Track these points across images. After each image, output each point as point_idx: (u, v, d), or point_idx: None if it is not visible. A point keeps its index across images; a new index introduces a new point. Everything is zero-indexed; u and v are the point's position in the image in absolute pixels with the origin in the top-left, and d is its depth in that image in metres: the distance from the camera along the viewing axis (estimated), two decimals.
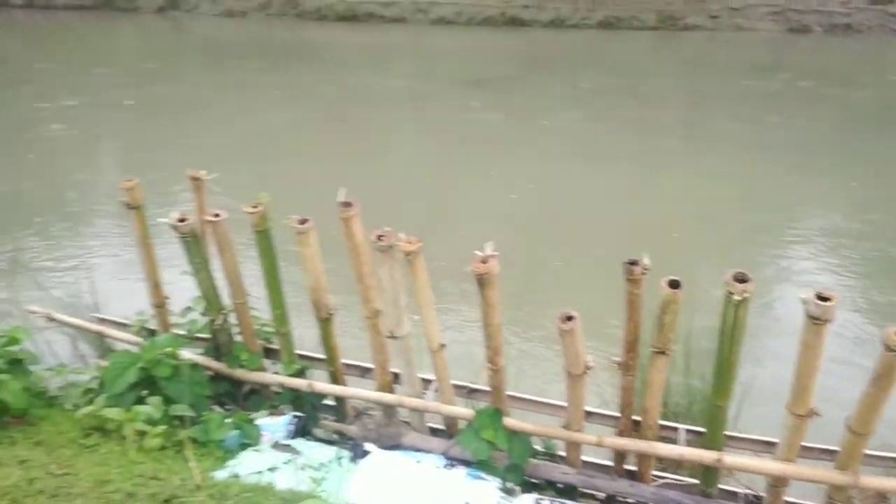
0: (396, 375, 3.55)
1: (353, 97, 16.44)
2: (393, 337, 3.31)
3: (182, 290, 4.08)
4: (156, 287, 3.96)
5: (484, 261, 2.72)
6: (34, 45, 24.17)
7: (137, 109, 14.94)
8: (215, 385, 3.81)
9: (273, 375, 3.80)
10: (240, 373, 3.80)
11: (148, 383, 3.53)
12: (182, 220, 3.41)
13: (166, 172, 9.18)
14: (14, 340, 3.75)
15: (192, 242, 3.49)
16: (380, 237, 3.00)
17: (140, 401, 3.45)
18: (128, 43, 25.58)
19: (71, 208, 9.72)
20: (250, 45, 25.11)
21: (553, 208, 9.52)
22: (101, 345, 4.85)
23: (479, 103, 15.77)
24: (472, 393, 3.52)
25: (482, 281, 2.77)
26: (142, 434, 3.29)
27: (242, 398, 3.93)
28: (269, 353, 3.94)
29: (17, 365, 3.70)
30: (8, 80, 17.72)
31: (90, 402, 3.54)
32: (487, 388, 3.27)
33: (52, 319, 4.54)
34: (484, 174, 11.04)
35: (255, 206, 3.38)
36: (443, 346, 3.22)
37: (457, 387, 3.46)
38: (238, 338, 3.86)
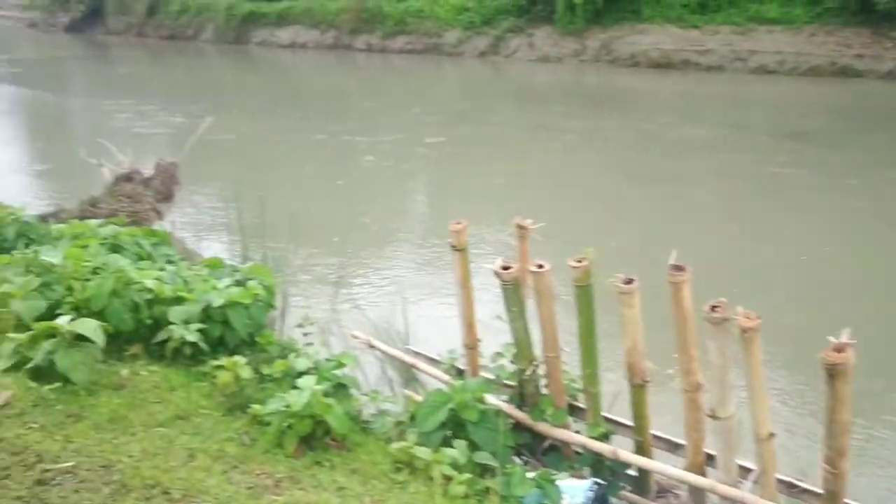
0: (710, 457, 3.47)
1: (654, 144, 16.76)
2: (714, 417, 3.26)
3: (493, 332, 4.34)
4: (470, 328, 4.26)
5: (839, 349, 2.59)
6: (367, 84, 28.04)
7: (445, 146, 16.59)
8: (515, 435, 4.01)
9: (577, 435, 3.93)
10: (543, 427, 3.99)
11: (454, 425, 3.80)
12: (506, 269, 3.63)
13: (462, 209, 10.01)
14: (340, 364, 4.23)
15: (513, 291, 3.73)
16: (713, 308, 3.00)
17: (446, 441, 3.73)
18: (448, 85, 28.40)
19: (381, 234, 11.07)
20: (560, 90, 26.42)
21: (849, 275, 8.68)
22: (408, 374, 5.30)
23: (786, 157, 15.18)
24: (800, 493, 3.31)
25: (834, 372, 2.63)
26: (448, 479, 3.49)
27: (541, 452, 4.11)
28: (575, 410, 4.08)
29: (341, 389, 4.07)
30: (339, 114, 20.74)
31: (401, 434, 3.90)
32: (819, 491, 3.05)
33: (371, 346, 4.98)
34: (776, 231, 10.70)
35: (579, 261, 3.54)
36: (772, 434, 3.09)
37: (780, 482, 3.29)
38: (545, 391, 4.05)
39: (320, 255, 9.96)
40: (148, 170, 8.44)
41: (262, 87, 27.28)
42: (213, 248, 8.84)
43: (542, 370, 3.97)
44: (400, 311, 6.47)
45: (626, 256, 8.18)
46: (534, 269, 3.63)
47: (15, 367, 3.38)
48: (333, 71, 32.08)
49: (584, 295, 3.59)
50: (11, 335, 3.44)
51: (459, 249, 4.02)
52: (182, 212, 9.92)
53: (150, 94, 24.56)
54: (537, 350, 3.92)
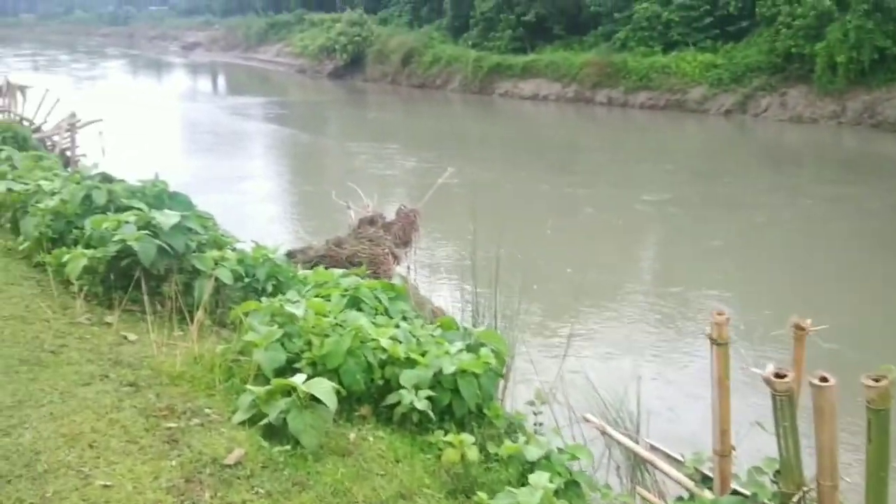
0: None
1: None
2: None
3: (749, 440, 4.24)
4: (723, 434, 3.97)
5: None
6: (603, 138, 30.31)
7: (668, 204, 18.10)
8: None
9: None
10: None
11: None
12: (779, 377, 3.40)
13: (678, 272, 11.48)
14: (574, 457, 4.11)
15: (786, 403, 3.45)
16: None
17: None
18: (688, 141, 29.86)
19: (597, 289, 12.45)
20: (811, 152, 26.79)
21: None
22: (637, 461, 5.10)
23: None
24: None
25: None
26: None
27: None
28: None
29: (573, 487, 4.05)
30: (569, 166, 23.05)
31: None
32: None
33: (604, 433, 4.86)
34: None
35: (876, 379, 3.20)
36: None
37: None
38: None
39: (543, 310, 11.03)
40: (389, 214, 9.88)
41: (499, 137, 30.60)
42: (442, 294, 9.88)
43: (812, 497, 3.63)
44: (627, 384, 6.35)
45: None
46: (816, 381, 3.29)
47: (250, 421, 3.63)
48: (572, 123, 34.81)
49: (880, 420, 3.22)
50: (251, 387, 3.73)
51: (720, 344, 3.81)
52: (417, 257, 10.82)
53: (392, 138, 28.80)
54: (809, 474, 3.62)
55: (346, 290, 4.97)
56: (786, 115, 31.37)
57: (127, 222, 4.73)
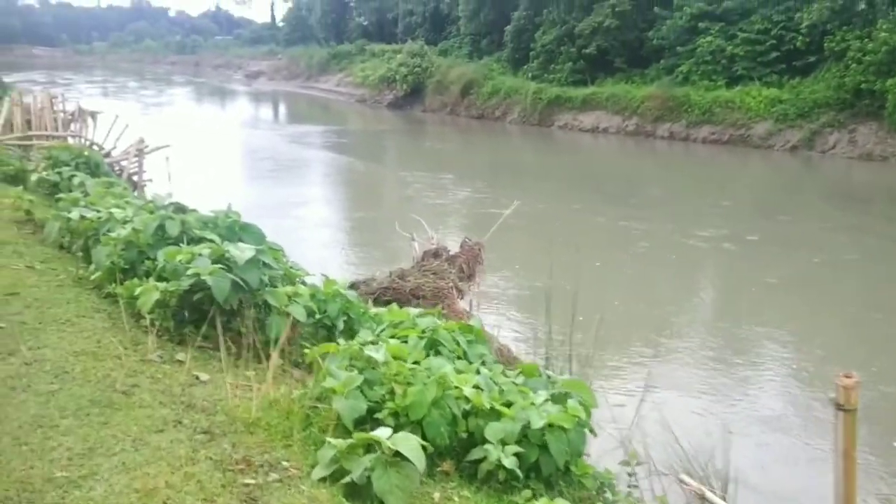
0: None
1: None
2: None
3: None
4: None
5: None
6: (663, 172, 29.75)
7: (725, 240, 17.53)
8: None
9: None
10: None
11: None
12: None
13: (734, 313, 11.02)
14: None
15: None
16: None
17: None
18: (751, 177, 29.14)
19: (656, 325, 12.29)
20: (883, 191, 25.84)
21: None
22: None
23: None
24: None
25: None
26: None
27: None
28: None
29: None
30: (627, 199, 22.53)
31: None
32: None
33: (703, 499, 4.72)
34: None
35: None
36: None
37: None
38: None
39: (615, 349, 10.68)
40: (451, 246, 9.66)
41: (557, 168, 30.26)
42: (505, 330, 9.66)
43: None
44: (704, 434, 6.34)
45: None
46: None
47: (331, 478, 3.40)
48: (631, 157, 34.34)
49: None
50: (331, 440, 3.50)
51: (847, 410, 3.62)
52: (480, 291, 10.50)
53: (448, 168, 28.70)
54: None
55: (423, 331, 4.70)
56: (855, 153, 30.42)
57: (200, 255, 4.54)
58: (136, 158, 15.40)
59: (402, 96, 49.76)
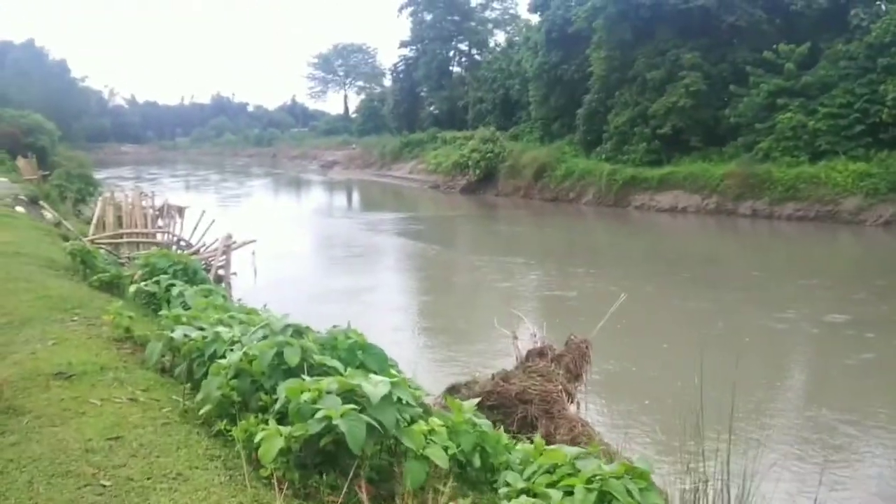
0: None
1: None
2: None
3: None
4: None
5: None
6: (751, 249, 28.49)
7: (849, 327, 16.21)
8: None
9: None
10: None
11: None
12: None
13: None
14: None
15: None
16: None
17: None
18: (846, 255, 27.63)
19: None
20: None
21: None
22: None
23: None
24: None
25: None
26: None
27: None
28: None
29: None
30: (690, 279, 21.41)
31: None
32: None
33: None
34: None
35: None
36: None
37: None
38: None
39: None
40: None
41: (632, 249, 29.28)
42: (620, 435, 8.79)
43: None
44: None
45: None
46: None
47: None
48: (712, 236, 33.20)
49: None
50: None
51: None
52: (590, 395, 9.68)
53: (521, 252, 28.05)
54: None
55: (589, 480, 3.90)
56: None
57: (328, 392, 3.93)
58: (224, 255, 15.22)
59: (474, 181, 49.88)
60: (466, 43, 74.44)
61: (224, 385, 4.53)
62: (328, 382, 4.03)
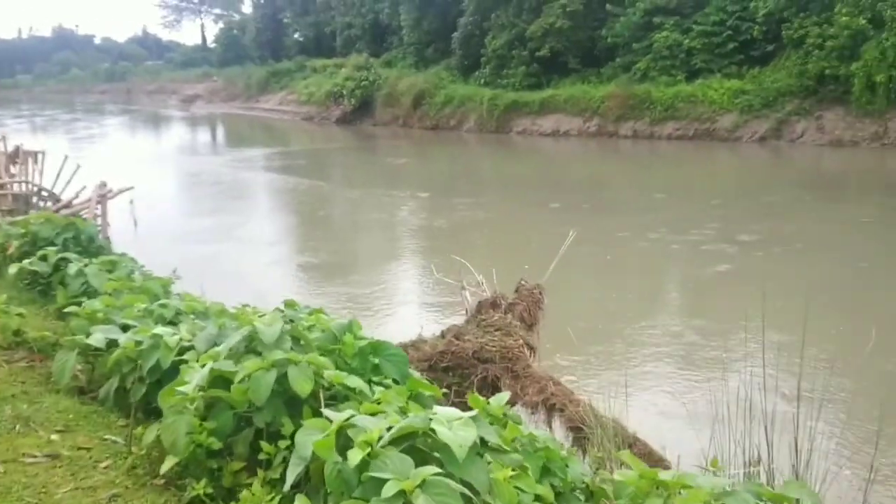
0: None
1: None
2: None
3: None
4: None
5: None
6: (642, 172, 28.36)
7: (760, 246, 15.99)
8: None
9: None
10: None
11: None
12: None
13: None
14: None
15: None
16: None
17: None
18: (730, 172, 27.93)
19: None
20: (863, 179, 24.95)
21: None
22: None
23: None
24: None
25: None
26: None
27: None
28: None
29: None
30: (628, 206, 21.02)
31: None
32: None
33: None
34: None
35: None
36: None
37: None
38: None
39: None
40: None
41: (521, 176, 28.53)
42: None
43: None
44: None
45: None
46: None
47: None
48: (596, 158, 32.93)
49: None
50: None
51: None
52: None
53: (404, 184, 26.81)
54: None
55: None
56: (824, 139, 29.69)
57: (381, 442, 2.59)
58: (99, 205, 13.12)
59: (350, 111, 47.76)
60: None
61: (196, 427, 3.02)
62: (378, 427, 2.62)
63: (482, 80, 41.97)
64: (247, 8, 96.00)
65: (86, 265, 5.08)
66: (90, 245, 6.41)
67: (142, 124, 64.03)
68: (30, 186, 15.84)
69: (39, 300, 5.51)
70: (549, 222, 19.13)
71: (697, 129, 32.56)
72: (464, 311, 7.77)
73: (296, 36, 73.25)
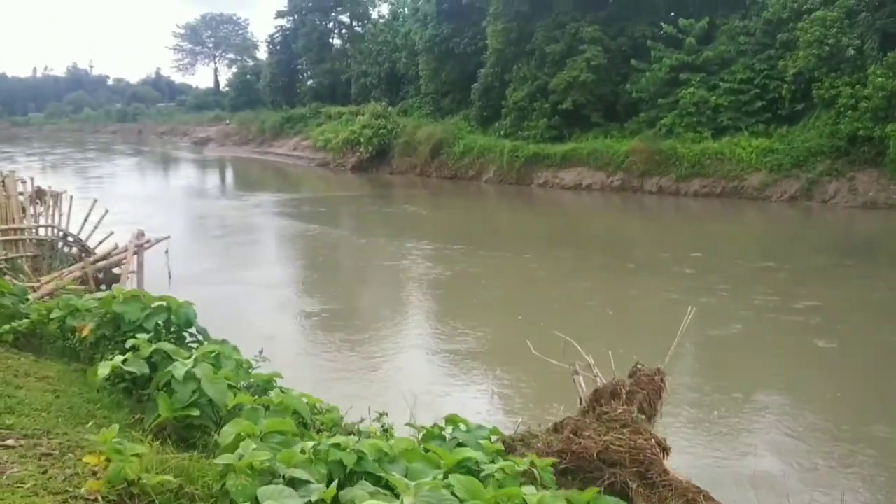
0: None
1: None
2: None
3: None
4: None
5: None
6: (673, 229, 27.43)
7: (829, 314, 15.01)
8: None
9: None
10: None
11: None
12: None
13: None
14: None
15: None
16: None
17: None
18: (764, 232, 27.05)
19: None
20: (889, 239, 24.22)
21: None
22: None
23: None
24: None
25: None
26: None
27: None
28: None
29: None
30: (653, 264, 20.06)
31: None
32: None
33: None
34: None
35: None
36: None
37: None
38: None
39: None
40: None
41: (544, 229, 27.61)
42: None
43: None
44: None
45: None
46: None
47: None
48: (618, 213, 32.07)
49: None
50: None
51: None
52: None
53: (423, 234, 25.88)
54: None
55: None
56: (857, 201, 28.82)
57: None
58: (136, 257, 12.10)
59: (366, 159, 47.08)
60: (347, 14, 70.60)
61: None
62: None
63: (502, 132, 41.36)
64: (261, 54, 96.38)
65: (192, 362, 3.92)
66: (182, 331, 5.10)
67: (155, 165, 63.43)
68: (55, 231, 14.89)
69: (126, 401, 4.28)
70: (595, 281, 18.25)
71: (725, 186, 31.76)
72: (578, 400, 6.69)
73: (310, 83, 73.06)
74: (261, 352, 5.28)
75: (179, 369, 3.79)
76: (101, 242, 15.24)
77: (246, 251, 24.68)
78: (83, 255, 15.04)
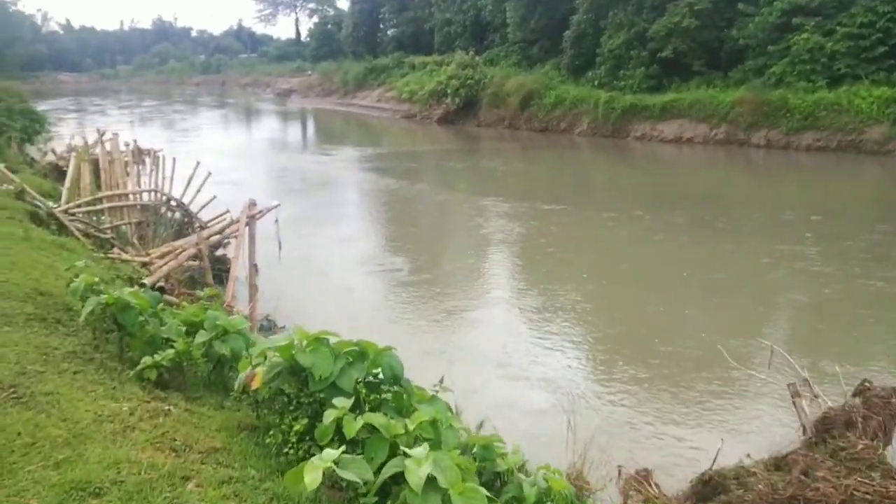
0: None
1: None
2: None
3: None
4: None
5: None
6: (785, 187, 25.72)
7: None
8: None
9: None
10: None
11: None
12: None
13: None
14: None
15: None
16: None
17: None
18: (865, 189, 25.13)
19: None
20: None
21: None
22: None
23: None
24: None
25: None
26: None
27: None
28: None
29: None
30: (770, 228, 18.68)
31: None
32: None
33: None
34: None
35: None
36: None
37: None
38: None
39: None
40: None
41: (655, 188, 26.16)
42: None
43: None
44: None
45: None
46: None
47: None
48: (732, 170, 30.29)
49: None
50: None
51: None
52: None
53: (532, 193, 24.77)
54: None
55: None
56: None
57: None
58: (248, 228, 11.60)
59: (453, 111, 45.96)
60: None
61: None
62: None
63: (596, 82, 39.61)
64: (342, 3, 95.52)
65: (428, 459, 2.87)
66: (388, 384, 4.00)
67: (242, 117, 63.72)
68: (159, 196, 14.54)
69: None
70: (714, 248, 17.08)
71: (841, 140, 29.59)
72: (800, 428, 5.78)
73: (392, 32, 71.87)
74: (441, 381, 4.49)
75: (415, 472, 2.84)
76: (203, 206, 14.87)
77: (325, 206, 24.25)
78: (186, 219, 14.71)
